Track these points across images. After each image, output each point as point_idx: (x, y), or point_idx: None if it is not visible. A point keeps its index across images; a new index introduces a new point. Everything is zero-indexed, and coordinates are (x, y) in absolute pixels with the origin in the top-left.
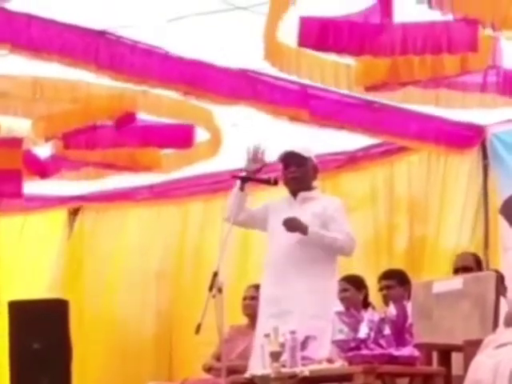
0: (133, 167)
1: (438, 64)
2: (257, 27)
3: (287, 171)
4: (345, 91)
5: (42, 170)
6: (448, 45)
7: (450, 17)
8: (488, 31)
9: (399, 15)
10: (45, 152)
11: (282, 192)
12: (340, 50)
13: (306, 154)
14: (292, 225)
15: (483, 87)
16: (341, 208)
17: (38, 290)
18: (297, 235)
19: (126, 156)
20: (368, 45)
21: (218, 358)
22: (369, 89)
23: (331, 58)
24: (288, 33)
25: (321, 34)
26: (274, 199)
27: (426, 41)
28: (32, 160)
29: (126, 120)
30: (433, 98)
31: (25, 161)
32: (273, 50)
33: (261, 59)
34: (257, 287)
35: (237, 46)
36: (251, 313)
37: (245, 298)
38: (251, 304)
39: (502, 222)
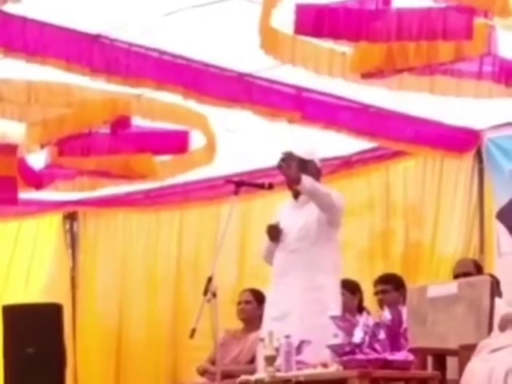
0: (127, 175)
1: (433, 51)
2: (254, 17)
3: (287, 173)
4: (340, 93)
5: (37, 181)
6: (443, 31)
7: (444, 4)
8: (483, 19)
9: (395, 1)
10: (39, 162)
11: (278, 198)
12: (336, 36)
13: (306, 156)
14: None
15: (479, 76)
16: (336, 191)
17: (33, 295)
18: (298, 232)
19: (121, 163)
20: (364, 30)
21: (212, 362)
22: (364, 76)
23: (327, 46)
24: (284, 21)
25: (317, 21)
26: (280, 208)
27: (422, 27)
28: (27, 171)
29: (121, 124)
30: (428, 85)
31: (20, 172)
32: (268, 38)
33: (257, 55)
34: (251, 291)
35: (233, 39)
36: (246, 317)
37: (239, 303)
38: (246, 308)
39: (498, 226)
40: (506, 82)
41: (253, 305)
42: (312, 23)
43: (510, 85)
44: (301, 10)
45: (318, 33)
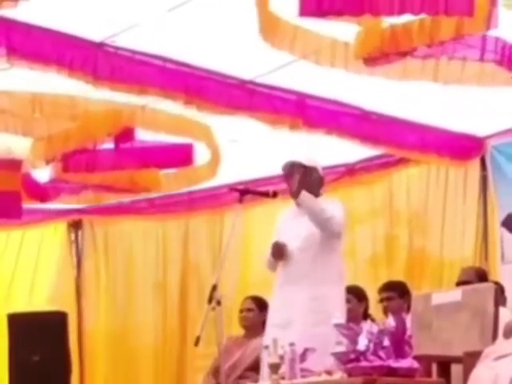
0: (132, 189)
1: (435, 29)
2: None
3: (290, 182)
4: (342, 99)
5: (42, 194)
6: (445, 6)
7: None
8: None
9: None
10: (44, 176)
11: (282, 206)
12: (341, 13)
13: (310, 163)
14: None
15: (481, 58)
16: (336, 203)
17: (37, 303)
18: (301, 242)
19: (126, 178)
20: (367, 4)
21: (215, 372)
22: (368, 61)
23: (330, 36)
24: (285, 8)
25: (321, 0)
26: (282, 215)
27: (424, 1)
28: (32, 185)
29: (125, 137)
30: (431, 72)
31: (24, 186)
32: (268, 25)
33: (258, 60)
34: (253, 299)
35: (235, 44)
36: (248, 324)
37: (241, 310)
38: (247, 316)
39: (503, 234)
40: (508, 67)
41: (254, 312)
42: (316, 2)
43: None
44: None
45: (322, 12)
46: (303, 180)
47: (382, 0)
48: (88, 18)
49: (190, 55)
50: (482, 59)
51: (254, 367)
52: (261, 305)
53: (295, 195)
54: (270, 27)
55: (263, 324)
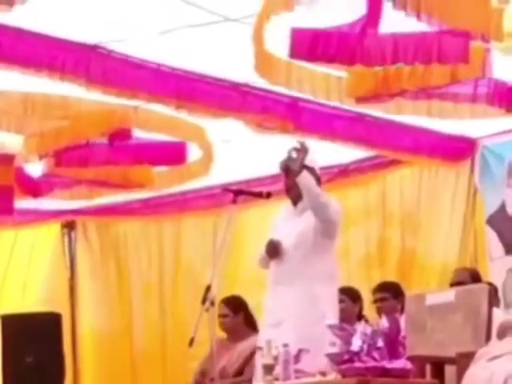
0: (125, 185)
1: (428, 74)
2: (248, 39)
3: (287, 180)
4: (336, 103)
5: (35, 189)
6: (438, 55)
7: (438, 28)
8: (480, 42)
9: (389, 27)
10: (37, 170)
11: (274, 206)
12: (332, 60)
13: (309, 163)
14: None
15: (474, 98)
16: (335, 200)
17: (29, 304)
18: (293, 239)
19: (119, 173)
20: (359, 54)
21: (203, 374)
22: (359, 100)
23: (323, 70)
24: (279, 45)
25: (312, 45)
26: (277, 214)
27: (417, 50)
28: (24, 179)
29: (121, 136)
30: (425, 108)
31: (17, 180)
32: (263, 61)
33: (251, 72)
34: (227, 303)
35: (228, 59)
36: (226, 328)
37: (219, 316)
38: (223, 321)
39: (489, 232)
40: (500, 104)
41: (229, 317)
42: (307, 47)
43: (504, 107)
44: (296, 34)
45: (313, 57)
46: (303, 160)
47: (374, 50)
48: (80, 23)
49: (183, 61)
50: (474, 96)
51: (240, 373)
52: (235, 308)
53: (296, 174)
54: (265, 65)
55: (243, 325)
